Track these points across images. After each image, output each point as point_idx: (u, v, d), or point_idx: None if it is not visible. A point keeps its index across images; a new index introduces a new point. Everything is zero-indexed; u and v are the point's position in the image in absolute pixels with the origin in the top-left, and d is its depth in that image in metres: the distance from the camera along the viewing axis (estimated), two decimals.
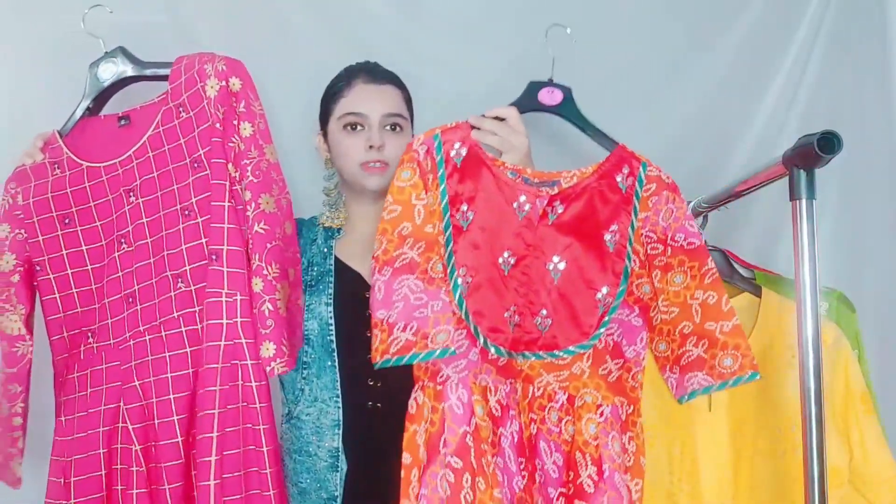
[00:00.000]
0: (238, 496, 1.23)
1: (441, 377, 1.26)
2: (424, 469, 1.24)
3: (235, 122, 1.29)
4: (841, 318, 1.34)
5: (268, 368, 1.25)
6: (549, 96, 1.36)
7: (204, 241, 1.29)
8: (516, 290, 1.28)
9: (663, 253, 1.28)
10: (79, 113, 1.40)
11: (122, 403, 1.30)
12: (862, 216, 1.65)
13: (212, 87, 1.29)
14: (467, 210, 1.27)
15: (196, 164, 1.31)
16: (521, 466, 1.28)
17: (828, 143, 1.05)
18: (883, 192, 1.65)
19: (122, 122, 1.38)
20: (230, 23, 1.63)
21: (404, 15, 1.65)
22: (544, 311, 1.28)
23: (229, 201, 1.28)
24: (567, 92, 1.36)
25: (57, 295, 1.37)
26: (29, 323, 1.38)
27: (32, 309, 1.39)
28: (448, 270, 1.25)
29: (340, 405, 1.32)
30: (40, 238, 1.37)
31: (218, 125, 1.29)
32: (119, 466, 1.29)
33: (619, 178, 1.28)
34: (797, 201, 1.11)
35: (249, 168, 1.28)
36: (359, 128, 1.37)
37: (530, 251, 1.28)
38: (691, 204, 1.43)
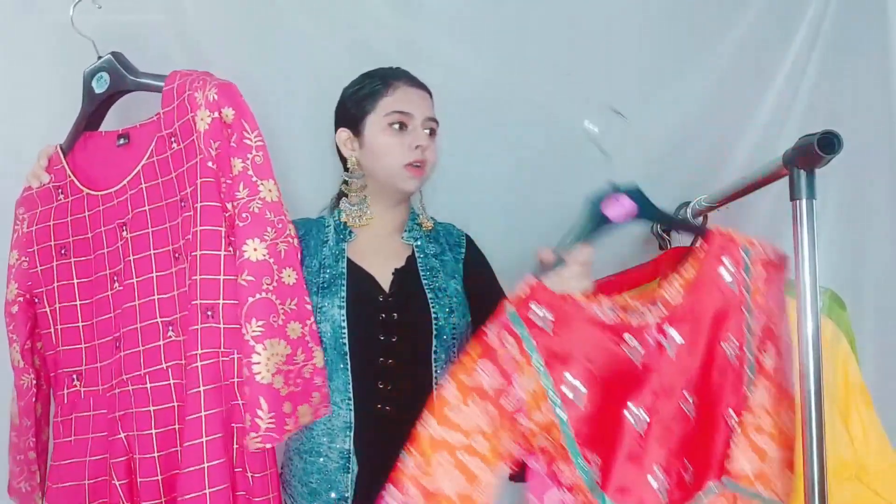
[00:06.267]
0: None
1: None
2: None
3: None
4: (832, 315, 1.34)
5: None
6: (619, 207, 1.12)
7: (195, 296, 1.14)
8: (657, 446, 1.07)
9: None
10: (79, 125, 1.32)
11: (108, 457, 1.19)
12: (862, 216, 1.65)
13: (202, 120, 1.15)
14: (573, 379, 1.06)
15: (184, 204, 1.19)
16: None
17: (828, 143, 1.05)
18: (883, 192, 1.65)
19: (122, 140, 1.27)
20: (230, 23, 1.63)
21: (404, 15, 1.65)
22: (685, 460, 1.08)
23: (226, 249, 1.14)
24: (636, 192, 1.13)
25: (51, 329, 1.28)
26: (26, 355, 1.29)
27: (27, 341, 1.30)
28: (572, 454, 1.05)
29: (352, 408, 1.32)
30: (38, 268, 1.28)
31: (210, 163, 1.15)
32: None
33: (722, 272, 1.12)
34: (797, 201, 1.11)
35: (237, 210, 1.13)
36: (404, 128, 1.35)
37: (659, 397, 1.09)
38: (692, 203, 1.43)
